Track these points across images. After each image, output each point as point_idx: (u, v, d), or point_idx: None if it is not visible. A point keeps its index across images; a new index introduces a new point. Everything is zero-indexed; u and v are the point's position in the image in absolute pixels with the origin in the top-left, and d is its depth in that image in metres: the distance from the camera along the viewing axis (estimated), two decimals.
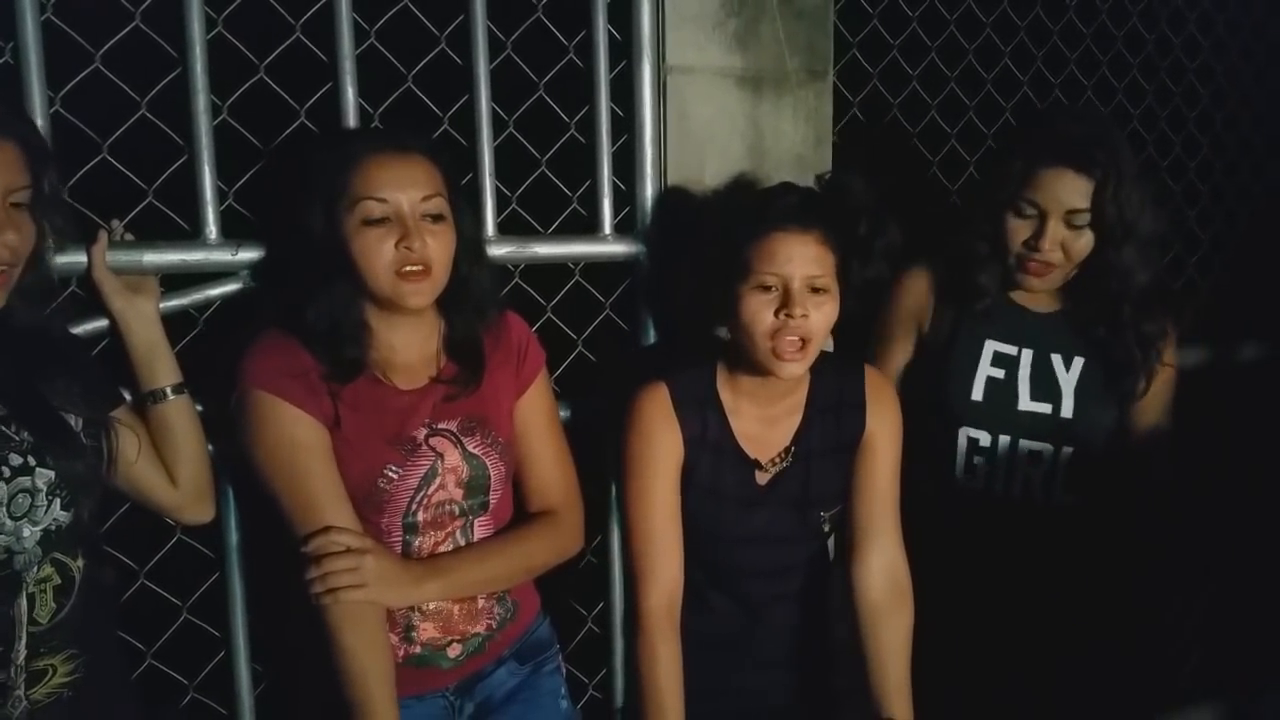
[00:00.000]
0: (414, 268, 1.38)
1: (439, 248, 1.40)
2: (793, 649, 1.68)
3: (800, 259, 1.45)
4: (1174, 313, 1.77)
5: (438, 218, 1.41)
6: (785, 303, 1.45)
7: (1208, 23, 2.49)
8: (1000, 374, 1.74)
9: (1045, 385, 1.73)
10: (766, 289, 1.46)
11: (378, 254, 1.37)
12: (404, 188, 1.38)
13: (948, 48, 2.17)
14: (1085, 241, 1.64)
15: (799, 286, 1.45)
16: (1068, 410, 1.72)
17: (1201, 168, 2.53)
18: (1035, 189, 1.62)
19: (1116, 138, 1.67)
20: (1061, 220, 1.62)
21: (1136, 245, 1.64)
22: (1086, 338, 1.74)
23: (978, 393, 1.73)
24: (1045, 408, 1.72)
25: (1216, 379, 2.53)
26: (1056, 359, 1.74)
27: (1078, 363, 1.74)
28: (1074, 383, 1.73)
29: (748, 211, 1.52)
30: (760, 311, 1.46)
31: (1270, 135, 2.62)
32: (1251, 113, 2.60)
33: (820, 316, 1.47)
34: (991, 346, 1.75)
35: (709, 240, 1.57)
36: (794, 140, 1.91)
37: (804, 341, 1.46)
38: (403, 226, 1.37)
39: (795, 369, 1.49)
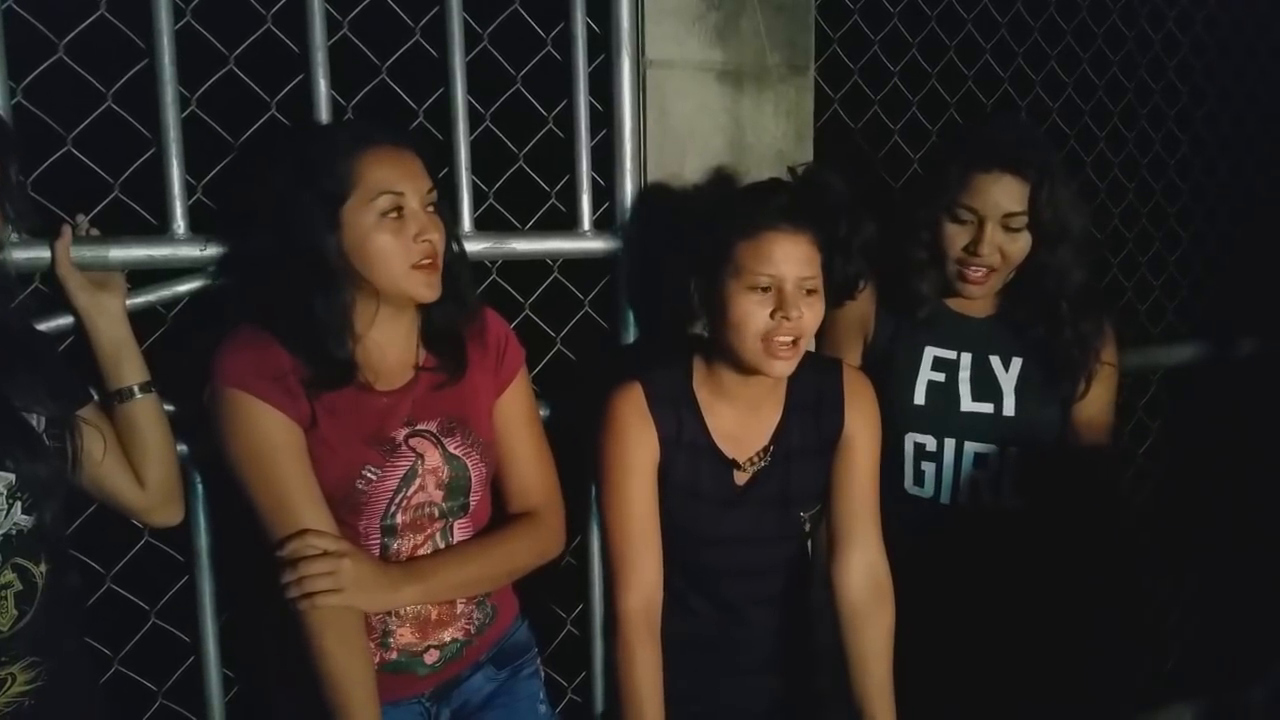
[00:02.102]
0: (427, 260, 1.38)
1: (440, 240, 1.41)
2: (775, 652, 1.66)
3: (795, 260, 1.45)
4: (1110, 313, 1.80)
5: (436, 209, 1.41)
6: (780, 304, 1.44)
7: (1187, 20, 2.50)
8: (941, 377, 1.76)
9: (985, 386, 1.75)
10: (761, 290, 1.45)
11: (396, 249, 1.36)
12: (413, 180, 1.38)
13: (929, 44, 2.17)
14: (1022, 244, 1.67)
15: (792, 288, 1.45)
16: (1009, 409, 1.74)
17: (1181, 165, 2.54)
18: (971, 195, 1.65)
19: (1046, 143, 1.72)
20: (999, 224, 1.65)
21: (1071, 245, 1.67)
22: (1024, 339, 1.76)
23: (919, 397, 1.75)
24: (987, 407, 1.74)
25: (1201, 376, 2.54)
26: (995, 360, 1.76)
27: (1016, 362, 1.76)
28: (1014, 381, 1.75)
29: (739, 209, 1.50)
30: (754, 312, 1.45)
31: (1249, 133, 2.63)
32: (1230, 110, 2.61)
33: (811, 316, 1.47)
34: (931, 352, 1.77)
35: (694, 236, 1.55)
36: (775, 136, 1.89)
37: (795, 340, 1.46)
38: (418, 221, 1.37)
39: (787, 367, 1.48)
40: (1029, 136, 1.72)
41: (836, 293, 1.54)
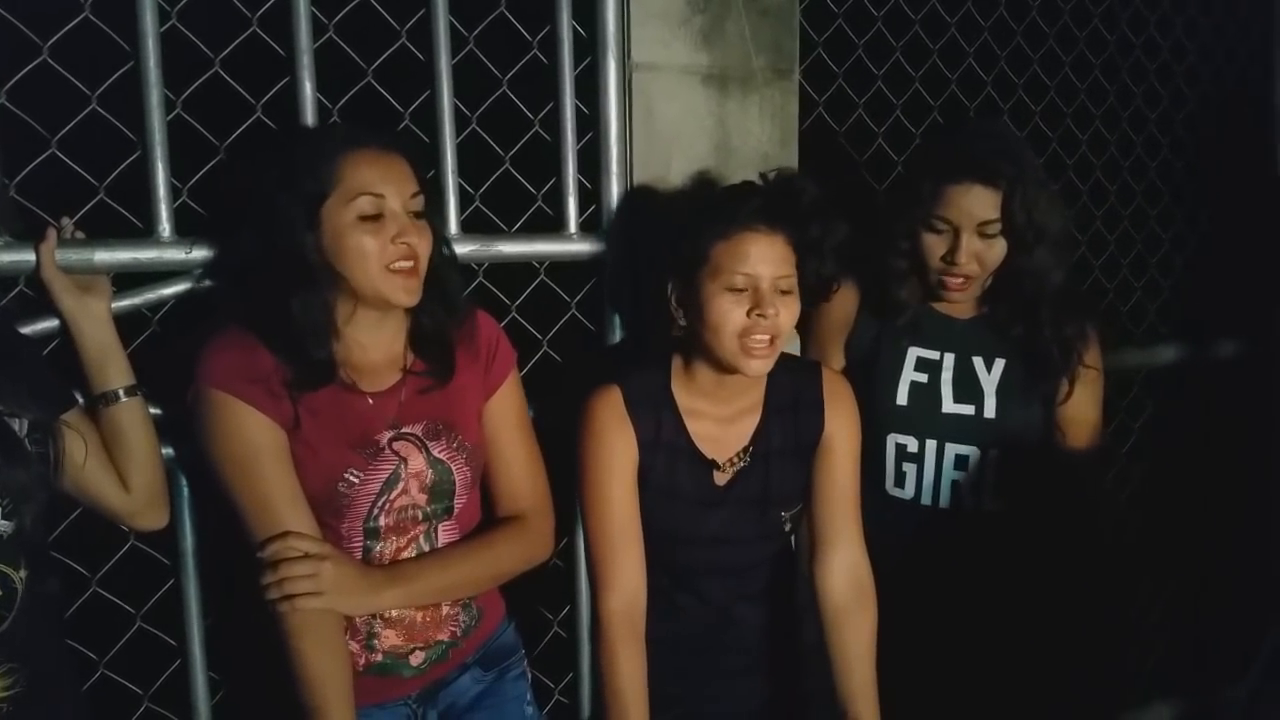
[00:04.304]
0: (406, 263, 1.38)
1: (424, 245, 1.40)
2: (761, 651, 1.67)
3: (770, 260, 1.46)
4: (1093, 316, 1.81)
5: (420, 214, 1.41)
6: (756, 303, 1.45)
7: (1167, 25, 2.52)
8: (923, 378, 1.77)
9: (967, 387, 1.76)
10: (738, 289, 1.46)
11: (373, 250, 1.36)
12: (396, 183, 1.38)
13: (912, 47, 2.18)
14: (999, 250, 1.68)
15: (768, 287, 1.46)
16: (990, 410, 1.74)
17: (1162, 167, 2.56)
18: (945, 206, 1.66)
19: (1018, 146, 1.73)
20: (974, 233, 1.66)
21: (1048, 247, 1.68)
22: (1007, 340, 1.77)
23: (902, 397, 1.76)
24: (968, 409, 1.75)
25: (1182, 377, 2.56)
26: (978, 361, 1.77)
27: (999, 364, 1.77)
28: (995, 383, 1.76)
29: (715, 211, 1.51)
30: (731, 311, 1.46)
31: (1229, 135, 2.65)
32: (1211, 112, 2.63)
33: (787, 315, 1.48)
34: (915, 353, 1.78)
35: (673, 238, 1.56)
36: (760, 139, 1.90)
37: (772, 339, 1.47)
38: (398, 223, 1.37)
39: (763, 366, 1.49)
40: (999, 143, 1.71)
41: (811, 294, 1.55)
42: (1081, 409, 1.78)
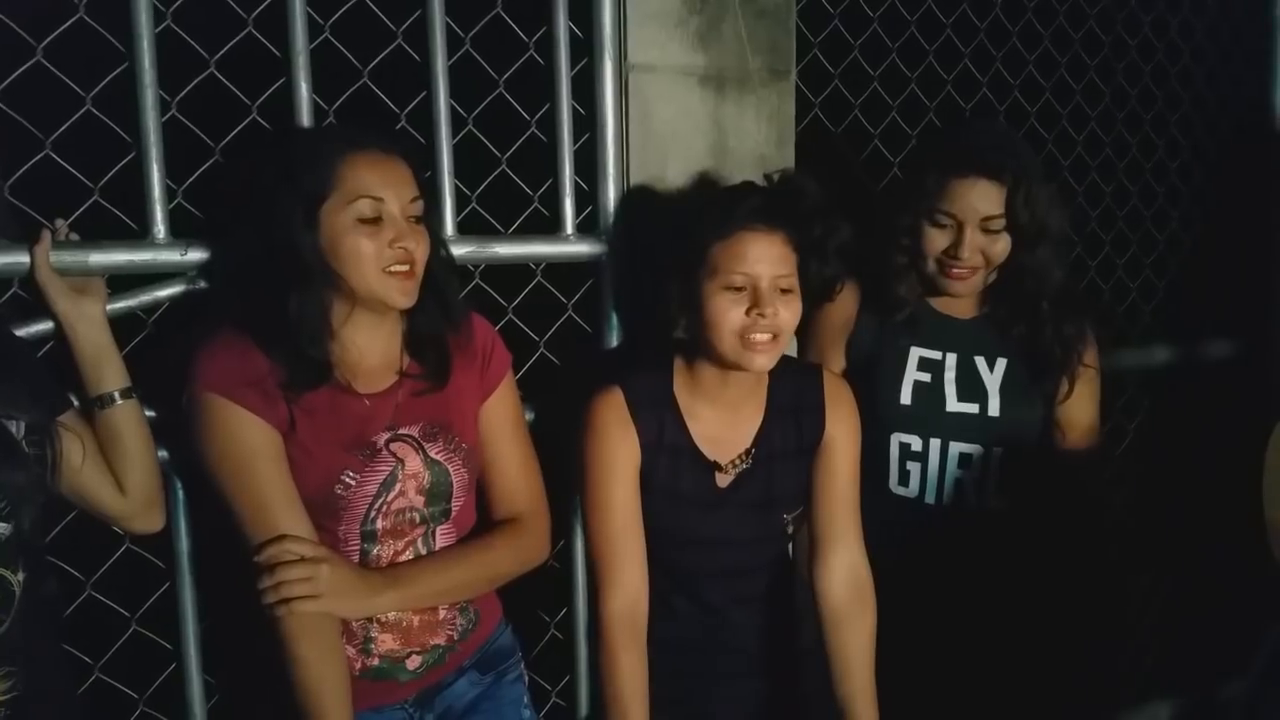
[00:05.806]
0: (402, 267, 1.38)
1: (421, 249, 1.41)
2: (759, 653, 1.67)
3: (769, 259, 1.46)
4: (1091, 316, 1.83)
5: (419, 219, 1.41)
6: (755, 302, 1.46)
7: (1162, 26, 2.52)
8: (927, 378, 1.77)
9: (971, 386, 1.77)
10: (736, 289, 1.46)
11: (370, 252, 1.36)
12: (396, 187, 1.38)
13: (908, 48, 2.18)
14: (1002, 245, 1.69)
15: (767, 286, 1.46)
16: (994, 409, 1.75)
17: (1157, 169, 2.56)
18: (950, 200, 1.67)
19: (1021, 144, 1.74)
20: (978, 227, 1.67)
21: (1050, 244, 1.69)
22: (1008, 339, 1.78)
23: (906, 397, 1.76)
24: (973, 408, 1.75)
25: (1177, 378, 2.56)
26: (980, 361, 1.78)
27: (1001, 363, 1.77)
28: (999, 382, 1.76)
29: (713, 211, 1.52)
30: (730, 310, 1.46)
31: (1223, 137, 2.66)
32: (1205, 114, 2.64)
33: (788, 313, 1.49)
34: (917, 353, 1.78)
35: (671, 239, 1.56)
36: (757, 140, 1.90)
37: (774, 336, 1.48)
38: (396, 226, 1.37)
39: (766, 361, 1.49)
40: (1004, 140, 1.74)
41: (814, 294, 1.55)
42: (1080, 408, 1.79)
